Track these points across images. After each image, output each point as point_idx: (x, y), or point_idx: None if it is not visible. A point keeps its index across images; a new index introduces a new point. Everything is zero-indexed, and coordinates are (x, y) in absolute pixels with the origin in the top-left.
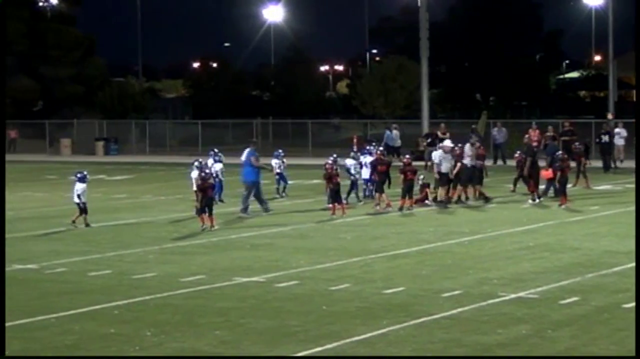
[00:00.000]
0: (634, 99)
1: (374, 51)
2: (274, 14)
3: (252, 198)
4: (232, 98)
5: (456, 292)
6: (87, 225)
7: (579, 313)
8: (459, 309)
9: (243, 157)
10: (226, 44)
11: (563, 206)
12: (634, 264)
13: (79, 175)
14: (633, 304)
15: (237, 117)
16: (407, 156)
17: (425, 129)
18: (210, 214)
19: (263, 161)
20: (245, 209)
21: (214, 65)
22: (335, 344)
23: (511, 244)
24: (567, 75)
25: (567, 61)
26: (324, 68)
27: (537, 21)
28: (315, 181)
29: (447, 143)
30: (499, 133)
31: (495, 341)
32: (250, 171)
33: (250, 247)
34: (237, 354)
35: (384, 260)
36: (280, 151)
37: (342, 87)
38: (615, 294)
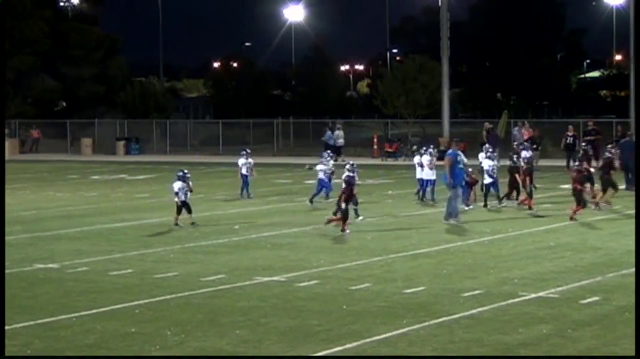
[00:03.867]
0: None
1: (395, 51)
2: (295, 14)
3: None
4: (254, 98)
5: (477, 292)
6: (193, 224)
7: (600, 312)
8: (480, 309)
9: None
10: (247, 44)
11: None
12: None
13: (179, 174)
14: None
15: (258, 117)
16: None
17: (446, 129)
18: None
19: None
20: (450, 215)
21: (235, 65)
22: (356, 344)
23: (532, 244)
24: (588, 75)
25: (588, 61)
26: (344, 68)
27: (559, 21)
28: (336, 181)
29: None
30: (519, 133)
31: (516, 341)
32: (455, 173)
33: (272, 247)
34: (258, 354)
35: (405, 260)
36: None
37: (363, 87)
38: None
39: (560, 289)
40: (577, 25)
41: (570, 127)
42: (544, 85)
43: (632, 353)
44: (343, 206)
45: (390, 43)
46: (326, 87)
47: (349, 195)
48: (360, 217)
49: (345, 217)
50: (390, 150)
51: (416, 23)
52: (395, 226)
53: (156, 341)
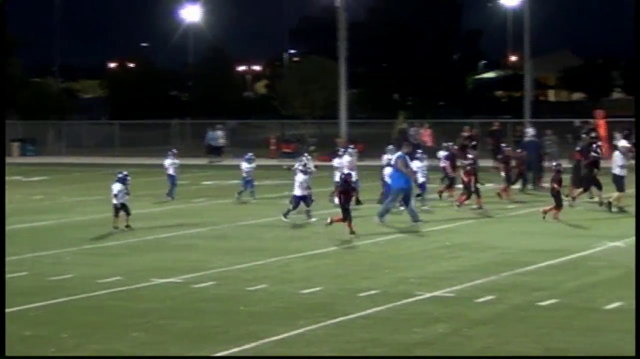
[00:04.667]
0: (548, 99)
1: (293, 51)
2: (192, 14)
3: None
4: (151, 98)
5: (373, 291)
6: (128, 227)
7: (495, 311)
8: (377, 309)
9: (392, 161)
10: (144, 44)
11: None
12: (550, 262)
13: (119, 175)
14: (549, 302)
15: (155, 117)
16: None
17: (344, 129)
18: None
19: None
20: (382, 215)
21: (132, 65)
22: (254, 344)
23: (429, 243)
24: (484, 76)
25: (484, 61)
26: (242, 68)
27: (455, 21)
28: (234, 181)
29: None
30: (415, 133)
31: (412, 340)
32: (398, 175)
33: (169, 248)
34: (157, 355)
35: (302, 260)
36: (250, 154)
37: (260, 87)
38: (531, 293)
39: (455, 288)
40: (473, 26)
41: (466, 127)
42: (441, 86)
43: (527, 350)
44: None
45: (288, 43)
46: (223, 87)
47: (348, 194)
48: (313, 219)
49: (348, 218)
50: (287, 150)
51: (314, 23)
52: (291, 226)
53: (52, 343)
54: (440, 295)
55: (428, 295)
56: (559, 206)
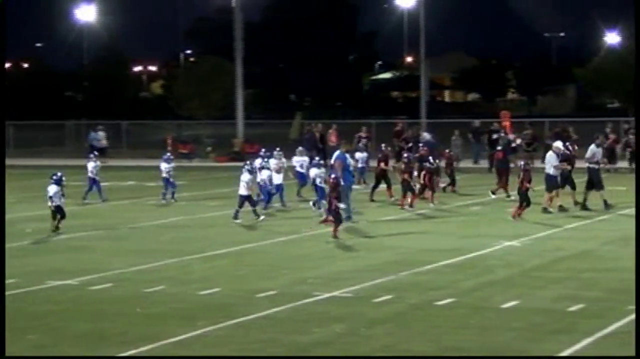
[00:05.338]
0: (443, 99)
1: (189, 52)
2: (87, 14)
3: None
4: (46, 99)
5: (272, 292)
6: (57, 229)
7: (393, 310)
8: (275, 309)
9: (332, 160)
10: (38, 45)
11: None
12: (448, 261)
13: (54, 177)
14: (446, 301)
15: (51, 118)
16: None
17: (240, 130)
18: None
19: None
20: (347, 217)
21: (26, 65)
22: (151, 346)
23: (327, 243)
24: (380, 76)
25: (380, 62)
26: (138, 68)
27: (351, 22)
28: (130, 183)
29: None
30: (308, 133)
31: (311, 340)
32: (343, 175)
33: (65, 250)
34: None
35: (201, 261)
36: (169, 154)
37: (156, 87)
38: (429, 292)
39: (354, 288)
40: (369, 27)
41: (364, 128)
42: (337, 87)
43: (424, 349)
44: (340, 205)
45: (184, 43)
46: (119, 87)
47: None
48: (261, 217)
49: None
50: (184, 151)
51: (210, 23)
52: (190, 227)
53: None
54: (338, 295)
55: (326, 295)
56: (527, 204)
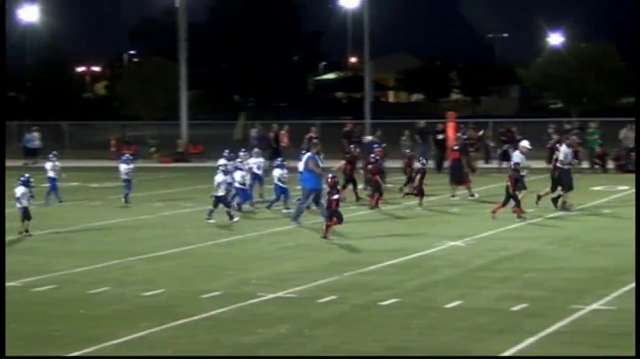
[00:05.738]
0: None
1: (133, 52)
2: (30, 14)
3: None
4: None
5: (216, 293)
6: (26, 231)
7: (337, 311)
8: (220, 310)
9: (302, 162)
10: None
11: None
12: (392, 261)
13: (22, 178)
14: (390, 301)
15: None
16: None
17: (184, 130)
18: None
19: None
20: (296, 217)
21: None
22: (95, 347)
23: (271, 244)
24: (324, 77)
25: (324, 63)
26: (81, 69)
27: (295, 23)
28: (74, 184)
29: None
30: (256, 134)
31: (255, 341)
32: (309, 176)
33: (9, 252)
34: None
35: (145, 262)
36: (128, 154)
37: (100, 88)
38: (373, 292)
39: (298, 288)
40: (313, 27)
41: (313, 128)
42: (282, 87)
43: (368, 349)
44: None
45: (128, 44)
46: (62, 88)
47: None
48: (236, 219)
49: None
50: (127, 152)
51: (154, 24)
52: (135, 228)
53: None
54: (282, 296)
55: (271, 296)
56: (506, 204)
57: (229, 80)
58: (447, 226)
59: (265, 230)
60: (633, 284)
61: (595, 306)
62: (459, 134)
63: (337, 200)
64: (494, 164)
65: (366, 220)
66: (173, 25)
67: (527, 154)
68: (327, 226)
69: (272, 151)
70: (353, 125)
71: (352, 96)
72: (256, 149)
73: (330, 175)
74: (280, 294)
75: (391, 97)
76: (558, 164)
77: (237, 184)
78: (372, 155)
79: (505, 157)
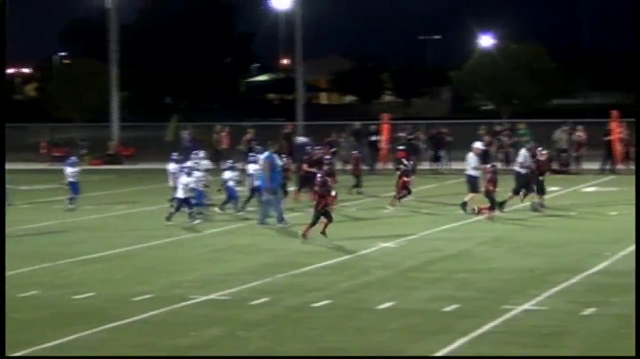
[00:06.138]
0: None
1: (63, 54)
2: None
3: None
4: None
5: (149, 295)
6: None
7: (270, 313)
8: (152, 313)
9: (259, 162)
10: None
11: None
12: (324, 263)
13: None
14: (323, 302)
15: None
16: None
17: (116, 132)
18: None
19: None
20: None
21: None
22: (26, 351)
23: (204, 246)
24: (256, 79)
25: (256, 64)
26: (11, 71)
27: (227, 24)
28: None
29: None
30: (188, 136)
31: (188, 343)
32: (264, 175)
33: None
34: None
35: (76, 265)
36: (74, 157)
37: (30, 90)
38: (305, 294)
39: (230, 290)
40: (246, 29)
41: (250, 130)
42: (214, 88)
43: (301, 351)
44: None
45: (58, 45)
46: None
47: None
48: (197, 221)
49: (315, 223)
50: (58, 154)
51: (84, 25)
52: (66, 231)
53: None
54: (215, 298)
55: (203, 298)
56: (493, 206)
57: (161, 81)
58: (379, 227)
59: (197, 232)
60: (564, 284)
61: (526, 306)
62: (404, 134)
63: (325, 200)
64: (426, 166)
65: (300, 223)
66: (104, 26)
67: (480, 156)
68: (309, 226)
69: (215, 153)
70: (293, 126)
71: (285, 97)
72: (200, 153)
73: (318, 174)
74: (212, 296)
75: (323, 99)
76: (516, 168)
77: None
78: (328, 158)
79: (437, 159)
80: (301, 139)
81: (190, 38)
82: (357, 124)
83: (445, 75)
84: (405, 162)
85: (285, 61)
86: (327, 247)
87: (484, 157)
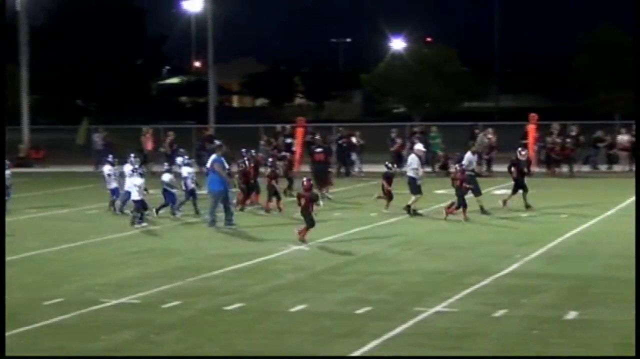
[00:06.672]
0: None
1: None
2: None
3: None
4: None
5: (59, 299)
6: None
7: (182, 316)
8: (63, 317)
9: (208, 164)
10: None
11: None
12: (236, 266)
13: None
14: (235, 306)
15: None
16: None
17: (26, 135)
18: None
19: None
20: (212, 222)
21: None
22: None
23: (115, 250)
24: (168, 81)
25: (168, 67)
26: None
27: (139, 27)
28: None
29: None
30: (100, 139)
31: (100, 347)
32: (216, 179)
33: None
34: None
35: None
36: (8, 162)
37: None
38: (218, 297)
39: (142, 294)
40: (158, 31)
41: (170, 132)
42: (125, 91)
43: (214, 354)
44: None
45: None
46: None
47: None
48: (144, 224)
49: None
50: None
51: None
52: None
53: None
54: (127, 302)
55: (115, 302)
56: (464, 205)
57: (71, 84)
58: (291, 230)
59: (108, 235)
60: (475, 286)
61: (438, 308)
62: (318, 137)
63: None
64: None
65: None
66: (14, 28)
67: (422, 157)
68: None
69: (143, 156)
70: (211, 129)
71: (197, 100)
72: (110, 157)
73: (305, 178)
74: (124, 300)
75: (235, 101)
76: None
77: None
78: (270, 160)
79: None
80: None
81: (101, 40)
82: (278, 126)
83: (357, 78)
84: (389, 164)
85: (197, 64)
86: (239, 251)
87: (399, 159)
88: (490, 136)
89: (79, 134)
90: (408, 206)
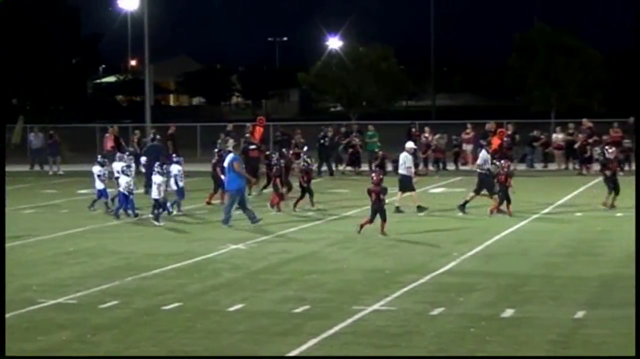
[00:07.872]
0: (169, 103)
1: None
2: None
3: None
4: None
5: None
6: None
7: (119, 316)
8: None
9: (225, 163)
10: None
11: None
12: (174, 265)
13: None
14: (173, 305)
15: None
16: None
17: None
18: None
19: None
20: (227, 220)
21: None
22: None
23: (52, 249)
24: (104, 80)
25: (104, 65)
26: None
27: (74, 25)
28: None
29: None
30: (35, 139)
31: (36, 347)
32: (234, 177)
33: None
34: None
35: None
36: None
37: None
38: (155, 297)
39: (79, 294)
40: (93, 29)
41: (137, 131)
42: (60, 90)
43: (151, 354)
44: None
45: None
46: None
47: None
48: (161, 223)
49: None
50: None
51: None
52: None
53: None
54: (63, 302)
55: (51, 302)
56: (508, 200)
57: (6, 83)
58: (229, 229)
59: (45, 235)
60: (413, 285)
61: (376, 306)
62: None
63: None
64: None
65: (148, 225)
66: None
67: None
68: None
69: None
70: (176, 128)
71: (133, 99)
72: (119, 154)
73: (374, 172)
74: (60, 300)
75: (172, 100)
76: (477, 169)
77: (121, 190)
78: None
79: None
80: (148, 140)
81: (35, 38)
82: (230, 125)
83: (294, 77)
84: (308, 160)
85: (133, 62)
86: (178, 250)
87: (336, 158)
88: (427, 134)
89: (14, 134)
90: (397, 207)
